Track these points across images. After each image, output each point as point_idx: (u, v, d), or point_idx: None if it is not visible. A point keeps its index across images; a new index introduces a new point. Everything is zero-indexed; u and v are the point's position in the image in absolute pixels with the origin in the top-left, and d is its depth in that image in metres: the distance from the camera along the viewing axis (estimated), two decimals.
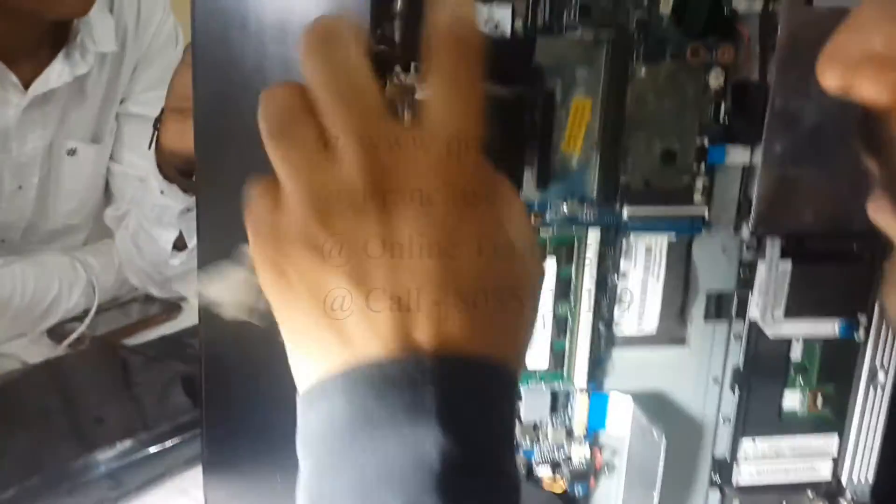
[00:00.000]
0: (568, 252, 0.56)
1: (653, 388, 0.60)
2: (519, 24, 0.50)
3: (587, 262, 0.56)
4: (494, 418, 0.38)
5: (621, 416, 0.60)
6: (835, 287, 0.59)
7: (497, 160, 0.39)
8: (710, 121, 0.54)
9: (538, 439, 0.60)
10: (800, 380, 0.61)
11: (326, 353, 0.37)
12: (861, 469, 0.63)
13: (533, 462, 0.61)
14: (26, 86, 1.09)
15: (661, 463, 0.57)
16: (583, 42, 0.52)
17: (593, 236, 0.56)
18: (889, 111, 0.35)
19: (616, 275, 0.57)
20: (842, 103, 0.37)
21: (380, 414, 0.36)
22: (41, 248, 1.17)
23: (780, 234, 0.57)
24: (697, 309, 0.59)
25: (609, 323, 0.58)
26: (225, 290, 0.42)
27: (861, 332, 0.60)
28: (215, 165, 0.70)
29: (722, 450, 0.63)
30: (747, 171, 0.56)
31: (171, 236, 1.07)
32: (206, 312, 0.58)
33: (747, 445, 0.62)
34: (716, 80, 0.53)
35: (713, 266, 0.58)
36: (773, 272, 0.58)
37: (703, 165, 0.55)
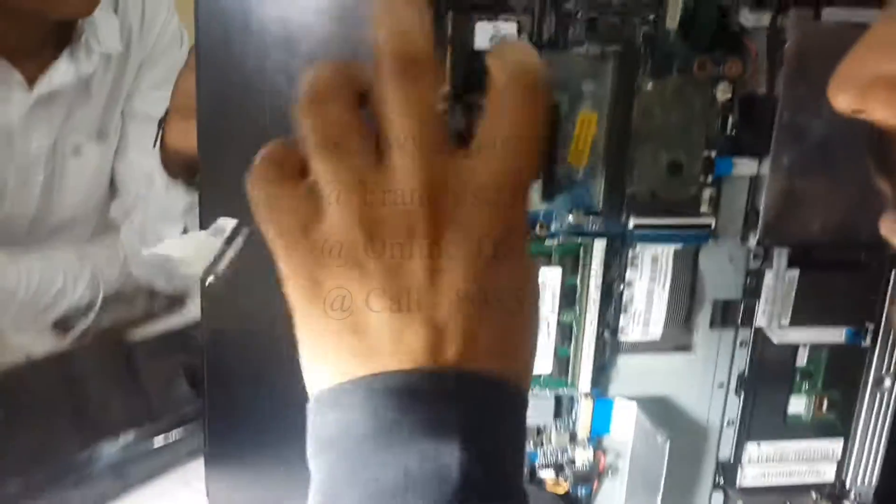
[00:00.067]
0: (573, 261, 0.56)
1: (657, 393, 0.61)
2: (525, 39, 0.50)
3: (592, 271, 0.56)
4: (510, 435, 0.39)
5: (626, 421, 0.60)
6: (842, 296, 0.59)
7: None
8: (718, 133, 0.54)
9: (542, 443, 0.61)
10: (805, 385, 0.62)
11: (347, 359, 0.38)
12: (865, 472, 0.63)
13: (536, 465, 0.61)
14: (31, 85, 1.08)
15: (665, 466, 0.57)
16: (589, 57, 0.51)
17: (599, 246, 0.56)
18: None
19: (622, 284, 0.57)
20: (849, 116, 0.37)
21: (400, 426, 0.36)
22: (46, 242, 1.17)
23: (788, 245, 0.57)
24: (703, 317, 0.59)
25: (614, 330, 0.58)
26: (190, 251, 0.43)
27: (868, 339, 0.60)
28: (218, 164, 0.70)
29: (726, 453, 0.63)
30: (754, 182, 0.56)
31: (176, 231, 1.07)
32: (208, 304, 0.58)
33: (752, 449, 0.62)
34: (723, 93, 0.53)
35: (719, 275, 0.58)
36: (780, 281, 0.58)
37: (709, 177, 0.55)
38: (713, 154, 0.54)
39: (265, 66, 0.59)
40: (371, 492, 0.36)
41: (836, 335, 0.60)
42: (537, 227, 0.55)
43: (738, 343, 0.60)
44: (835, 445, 0.63)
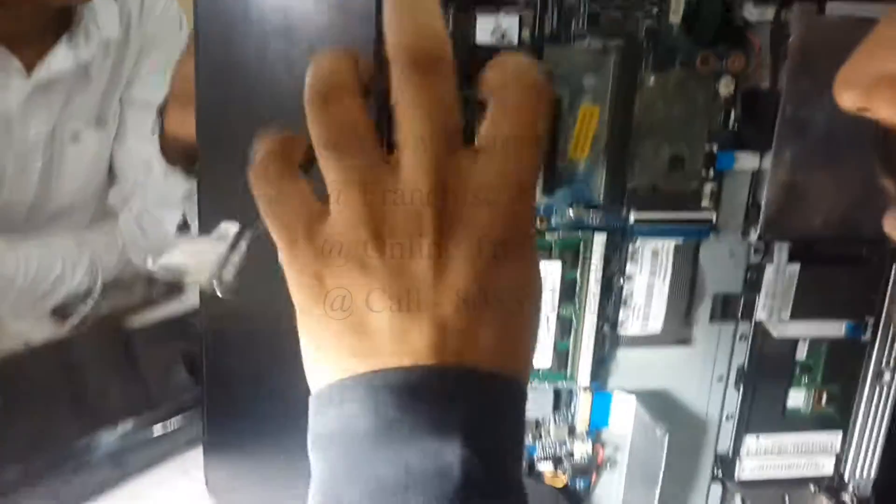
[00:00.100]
0: (573, 255, 0.56)
1: (657, 386, 0.61)
2: (526, 33, 0.50)
3: (593, 265, 0.56)
4: (511, 430, 0.39)
5: (624, 414, 0.60)
6: (842, 290, 0.59)
7: None
8: (720, 127, 0.54)
9: (540, 436, 0.61)
10: (805, 379, 0.62)
11: (348, 357, 0.38)
12: (864, 465, 0.64)
13: (535, 458, 0.61)
14: (30, 71, 1.08)
15: (664, 459, 0.57)
16: (591, 51, 0.51)
17: (599, 240, 0.56)
18: None
19: (622, 278, 0.57)
20: (854, 115, 0.37)
21: (401, 423, 0.36)
22: (45, 229, 1.17)
23: (789, 239, 0.57)
24: (703, 311, 0.59)
25: (614, 324, 0.58)
26: (195, 260, 0.42)
27: (868, 333, 0.60)
28: (217, 152, 0.70)
29: (725, 446, 0.63)
30: (756, 177, 0.55)
31: (175, 218, 1.07)
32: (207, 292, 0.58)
33: (750, 441, 0.62)
34: (726, 87, 0.52)
35: (720, 269, 0.58)
36: (780, 275, 0.57)
37: (711, 171, 0.55)
38: (715, 148, 0.54)
39: (265, 51, 0.59)
40: (372, 489, 0.36)
41: (836, 329, 0.60)
42: (538, 221, 0.54)
43: (737, 337, 0.60)
44: (833, 438, 0.63)
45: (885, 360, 0.61)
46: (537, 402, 0.59)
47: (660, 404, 0.60)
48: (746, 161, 0.55)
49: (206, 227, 0.76)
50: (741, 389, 0.61)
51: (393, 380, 0.36)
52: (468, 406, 0.37)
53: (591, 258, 0.56)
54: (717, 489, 0.64)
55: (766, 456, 0.63)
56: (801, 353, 0.61)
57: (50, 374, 0.97)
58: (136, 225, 1.13)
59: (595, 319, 0.57)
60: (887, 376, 0.61)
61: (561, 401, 0.60)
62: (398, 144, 0.37)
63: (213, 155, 0.71)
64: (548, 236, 0.55)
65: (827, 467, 0.64)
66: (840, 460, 0.64)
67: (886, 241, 0.40)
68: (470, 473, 0.35)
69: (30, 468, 0.81)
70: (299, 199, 0.38)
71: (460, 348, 0.37)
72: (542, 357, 0.58)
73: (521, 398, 0.40)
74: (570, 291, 0.57)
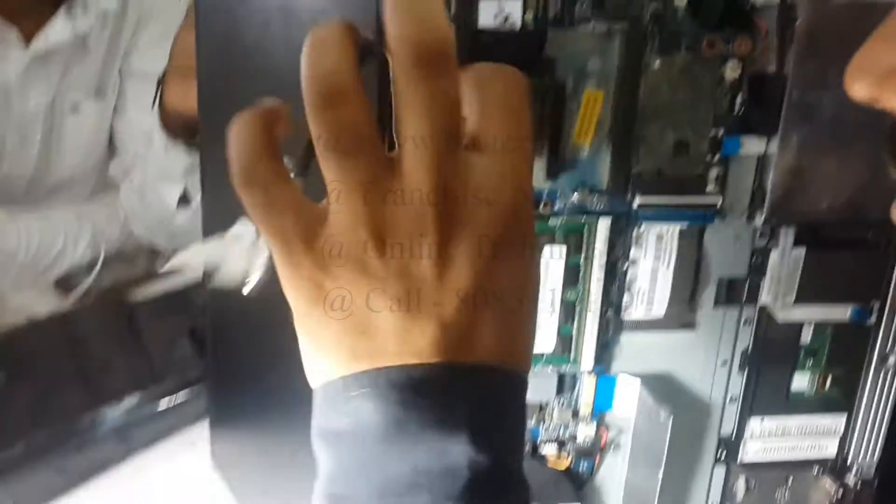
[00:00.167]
0: (577, 240, 0.55)
1: (661, 370, 0.60)
2: (530, 16, 0.49)
3: (597, 250, 0.55)
4: (513, 422, 0.39)
5: (628, 398, 0.60)
6: (848, 274, 0.59)
7: None
8: (725, 112, 0.53)
9: (544, 419, 0.60)
10: (809, 362, 0.61)
11: (350, 356, 0.37)
12: (867, 447, 0.63)
13: (538, 441, 0.61)
14: (28, 43, 1.07)
15: (667, 442, 0.57)
16: (595, 34, 0.50)
17: (603, 225, 0.55)
18: None
19: (626, 262, 0.56)
20: (865, 105, 0.36)
21: (407, 422, 0.36)
22: (45, 202, 1.16)
23: (795, 224, 0.56)
24: (707, 295, 0.59)
25: (617, 309, 0.58)
26: (220, 258, 0.42)
27: (873, 317, 0.59)
28: (219, 124, 0.69)
29: (728, 429, 0.63)
30: (762, 161, 0.55)
31: (176, 192, 1.07)
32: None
33: (754, 424, 0.62)
34: (732, 71, 0.52)
35: (725, 253, 0.58)
36: (786, 259, 0.57)
37: (716, 156, 0.54)
38: (721, 133, 0.54)
39: (266, 22, 0.58)
40: (381, 487, 0.36)
41: (841, 313, 0.60)
42: (542, 206, 0.54)
43: (742, 321, 0.60)
44: (837, 421, 0.63)
45: (889, 344, 0.60)
46: (541, 387, 0.59)
47: (664, 388, 0.60)
48: (752, 145, 0.54)
49: (209, 199, 0.76)
50: (745, 373, 0.61)
51: (397, 377, 0.36)
52: (472, 402, 0.37)
53: (595, 243, 0.55)
54: (720, 471, 0.64)
55: (770, 438, 0.63)
56: (806, 336, 0.60)
57: (53, 348, 0.97)
58: (138, 198, 1.13)
59: (599, 304, 0.57)
60: (892, 360, 0.61)
61: (565, 384, 0.60)
62: (398, 142, 0.37)
63: (214, 128, 0.70)
64: (552, 221, 0.55)
65: (830, 450, 0.64)
66: (844, 443, 0.64)
67: (893, 226, 0.40)
68: (476, 471, 0.36)
69: (33, 443, 0.81)
70: (293, 203, 0.37)
71: (461, 346, 0.37)
72: (546, 341, 0.58)
73: (522, 385, 0.40)
74: (574, 276, 0.56)
